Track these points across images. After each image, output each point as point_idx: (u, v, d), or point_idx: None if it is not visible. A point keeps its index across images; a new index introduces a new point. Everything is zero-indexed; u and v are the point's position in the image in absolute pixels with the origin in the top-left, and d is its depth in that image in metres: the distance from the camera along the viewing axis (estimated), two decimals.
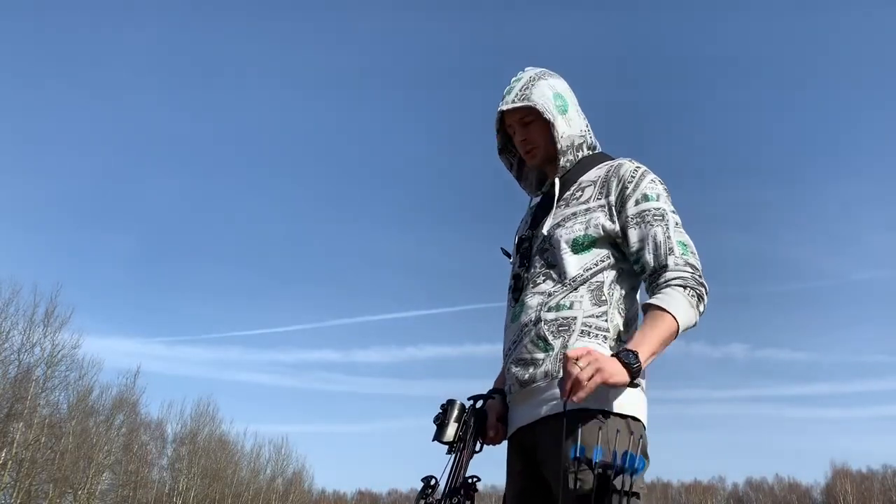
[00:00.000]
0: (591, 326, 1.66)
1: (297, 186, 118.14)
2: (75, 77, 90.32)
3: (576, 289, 1.69)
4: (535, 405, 1.65)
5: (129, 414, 37.09)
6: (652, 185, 1.75)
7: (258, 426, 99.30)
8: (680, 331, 1.59)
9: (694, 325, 1.62)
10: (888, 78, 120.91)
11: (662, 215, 1.71)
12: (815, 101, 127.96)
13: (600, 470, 1.41)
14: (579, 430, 1.52)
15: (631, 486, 1.43)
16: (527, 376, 1.68)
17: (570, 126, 1.80)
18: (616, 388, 1.54)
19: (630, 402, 1.62)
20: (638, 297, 1.78)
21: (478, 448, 1.74)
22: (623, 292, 1.72)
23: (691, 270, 1.65)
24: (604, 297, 1.68)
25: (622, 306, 1.71)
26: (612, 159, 1.84)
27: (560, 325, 1.67)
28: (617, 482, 1.42)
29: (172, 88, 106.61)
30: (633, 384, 1.51)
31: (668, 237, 1.68)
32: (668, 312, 1.58)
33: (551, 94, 1.81)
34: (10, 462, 26.21)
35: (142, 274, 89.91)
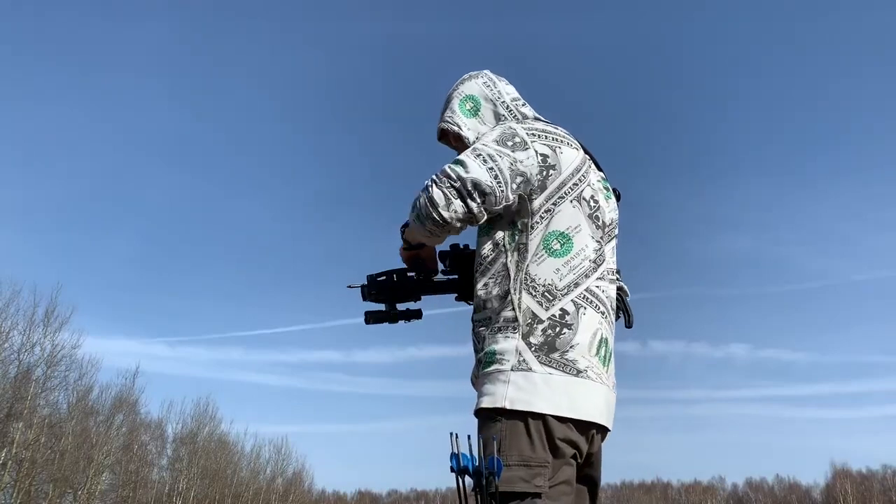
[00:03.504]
0: (500, 319, 1.65)
1: (298, 187, 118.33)
2: (76, 77, 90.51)
3: (485, 283, 1.70)
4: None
5: (128, 414, 37.15)
6: (491, 132, 1.76)
7: (258, 426, 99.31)
8: (412, 227, 1.75)
9: (414, 223, 1.71)
10: (888, 78, 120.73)
11: (472, 148, 1.70)
12: (815, 101, 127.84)
13: (471, 477, 1.49)
14: (472, 438, 1.56)
15: (496, 487, 1.46)
16: (472, 377, 1.74)
17: (484, 122, 1.86)
18: (504, 384, 1.58)
19: (522, 399, 1.57)
20: (561, 266, 1.67)
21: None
22: (529, 269, 1.66)
23: (430, 179, 1.66)
24: (507, 286, 1.66)
25: (531, 283, 1.65)
26: None
27: (481, 326, 1.70)
28: (490, 486, 1.47)
29: (173, 89, 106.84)
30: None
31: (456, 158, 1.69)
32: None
33: (458, 102, 1.89)
34: (10, 462, 26.24)
35: (142, 274, 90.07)
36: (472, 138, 1.83)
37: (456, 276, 1.90)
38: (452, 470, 1.49)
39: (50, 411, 29.11)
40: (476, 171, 1.62)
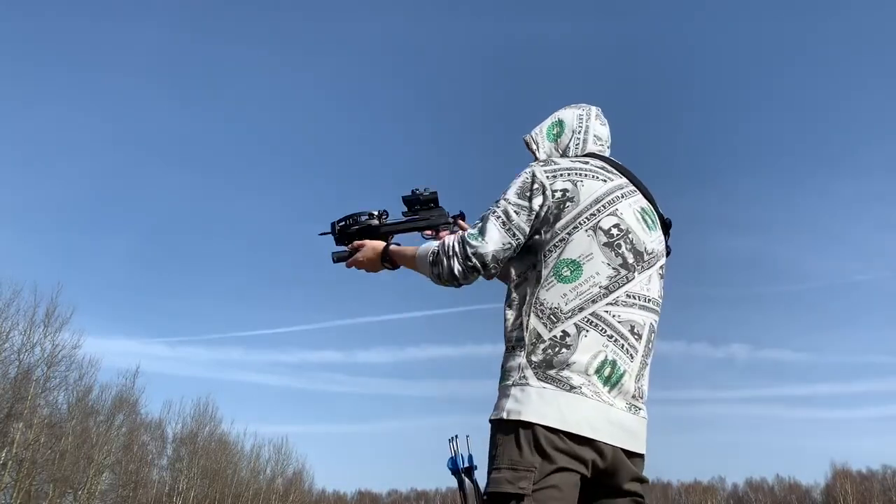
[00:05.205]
0: (512, 339, 1.77)
1: (299, 187, 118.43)
2: (76, 77, 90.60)
3: (510, 304, 1.83)
4: None
5: (129, 414, 37.30)
6: (514, 182, 1.88)
7: (258, 426, 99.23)
8: (418, 266, 1.94)
9: (429, 274, 1.89)
10: (888, 77, 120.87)
11: (495, 205, 1.86)
12: (815, 100, 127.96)
13: (463, 474, 1.67)
14: (469, 438, 1.76)
15: (472, 482, 1.70)
16: None
17: (558, 148, 2.04)
18: (506, 398, 1.70)
19: (515, 409, 1.68)
20: (568, 291, 1.75)
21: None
22: (539, 294, 1.77)
23: (454, 242, 1.85)
24: (524, 307, 1.77)
25: (539, 307, 1.75)
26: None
27: (504, 346, 1.81)
28: (474, 481, 1.69)
29: (173, 89, 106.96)
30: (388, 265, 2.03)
31: (481, 217, 1.87)
32: (419, 249, 1.96)
33: (549, 124, 2.08)
34: (10, 462, 26.35)
35: (142, 274, 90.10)
36: (542, 159, 2.00)
37: (417, 216, 2.14)
38: (451, 471, 1.60)
39: (50, 411, 29.25)
40: (494, 239, 1.81)
